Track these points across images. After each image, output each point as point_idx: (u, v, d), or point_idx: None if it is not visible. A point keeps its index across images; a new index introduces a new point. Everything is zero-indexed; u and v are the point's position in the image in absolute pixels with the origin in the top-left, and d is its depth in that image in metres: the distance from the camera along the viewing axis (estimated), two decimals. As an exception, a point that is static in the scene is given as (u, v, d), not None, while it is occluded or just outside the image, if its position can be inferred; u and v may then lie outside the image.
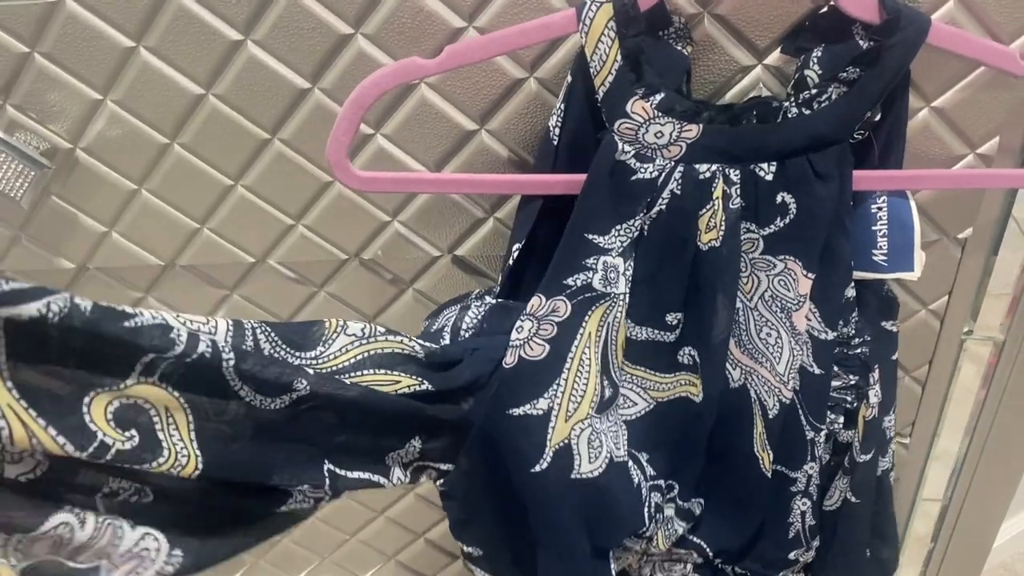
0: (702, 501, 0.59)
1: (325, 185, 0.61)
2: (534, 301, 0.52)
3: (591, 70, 0.49)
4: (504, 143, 0.59)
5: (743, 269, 0.54)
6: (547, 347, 0.53)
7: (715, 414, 0.56)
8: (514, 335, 0.52)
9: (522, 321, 0.52)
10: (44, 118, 0.59)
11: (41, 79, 0.57)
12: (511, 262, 0.54)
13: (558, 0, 0.53)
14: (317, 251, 0.65)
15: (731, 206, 0.52)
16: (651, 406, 0.57)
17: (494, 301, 0.55)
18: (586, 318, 0.53)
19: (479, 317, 0.54)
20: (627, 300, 0.53)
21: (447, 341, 0.53)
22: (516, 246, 0.54)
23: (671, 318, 0.55)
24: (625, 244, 0.52)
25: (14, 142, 0.59)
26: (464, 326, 0.54)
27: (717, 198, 0.52)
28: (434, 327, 0.55)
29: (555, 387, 0.53)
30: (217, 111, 0.58)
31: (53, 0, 0.54)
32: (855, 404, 0.57)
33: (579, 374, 0.53)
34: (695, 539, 0.60)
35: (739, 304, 0.55)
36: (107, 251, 0.65)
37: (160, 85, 0.57)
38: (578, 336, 0.53)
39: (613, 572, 0.57)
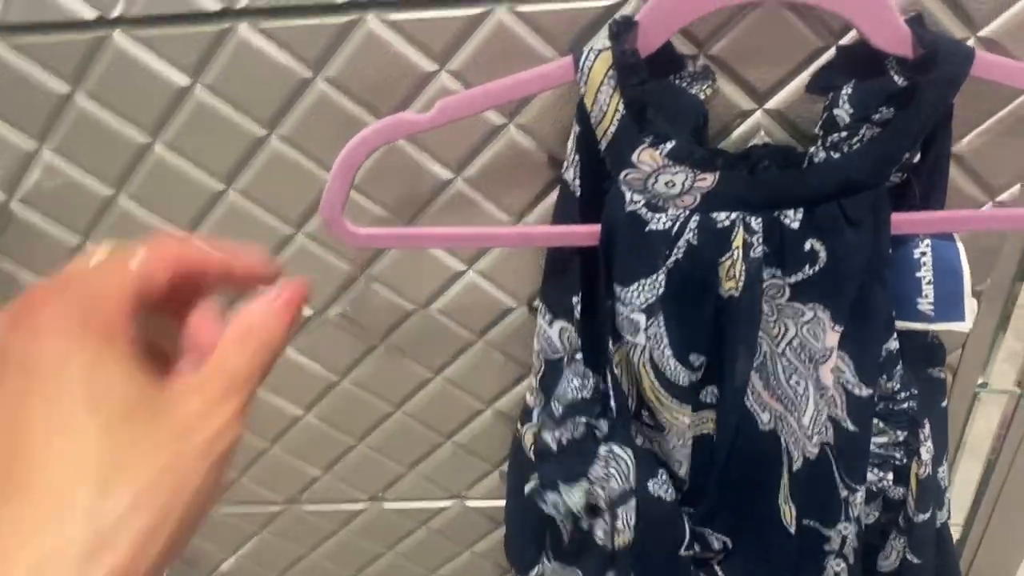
0: (728, 541, 0.57)
1: (287, 237, 0.57)
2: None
3: (592, 120, 0.45)
4: (480, 190, 0.54)
5: (771, 314, 0.51)
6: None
7: (728, 455, 0.54)
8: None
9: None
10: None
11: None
12: (577, 315, 0.52)
13: (535, 41, 0.47)
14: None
15: (752, 255, 0.48)
16: (674, 439, 0.55)
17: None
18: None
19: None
20: (647, 352, 0.51)
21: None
22: (575, 299, 0.52)
23: (694, 359, 0.52)
24: (650, 301, 0.49)
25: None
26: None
27: (737, 247, 0.48)
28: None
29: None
30: (163, 162, 0.53)
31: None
32: (904, 460, 0.53)
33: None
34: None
35: (765, 348, 0.52)
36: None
37: (100, 136, 0.52)
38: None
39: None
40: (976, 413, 0.64)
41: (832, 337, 0.49)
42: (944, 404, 0.55)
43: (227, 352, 0.24)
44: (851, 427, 0.51)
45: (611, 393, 0.54)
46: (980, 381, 0.62)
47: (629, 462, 0.54)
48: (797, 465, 0.53)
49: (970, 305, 0.49)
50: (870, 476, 0.54)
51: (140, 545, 0.20)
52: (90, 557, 0.19)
